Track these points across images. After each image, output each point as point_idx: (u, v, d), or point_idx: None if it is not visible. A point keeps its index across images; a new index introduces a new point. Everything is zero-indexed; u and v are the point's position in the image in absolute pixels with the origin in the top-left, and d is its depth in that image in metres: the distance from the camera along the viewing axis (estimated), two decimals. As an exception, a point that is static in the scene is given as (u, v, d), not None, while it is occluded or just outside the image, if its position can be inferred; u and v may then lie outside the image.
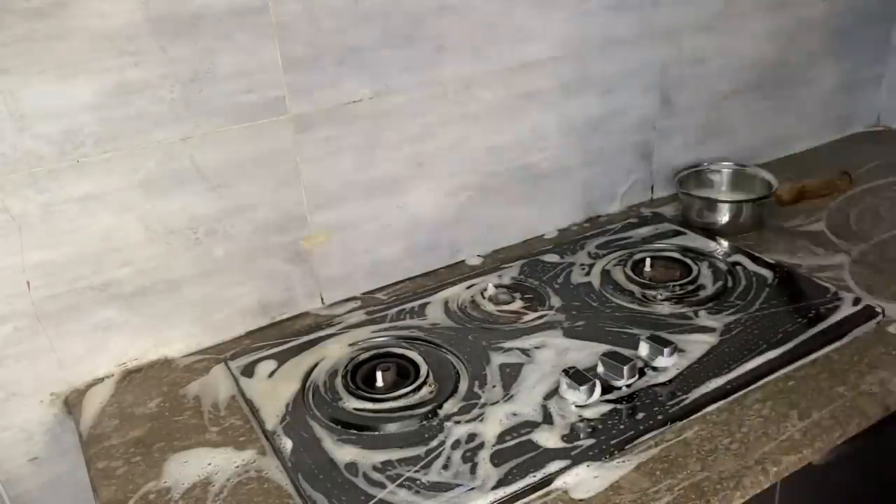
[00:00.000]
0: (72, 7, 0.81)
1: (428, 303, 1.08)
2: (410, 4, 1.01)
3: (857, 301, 1.01)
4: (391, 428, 0.85)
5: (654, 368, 0.90)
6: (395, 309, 1.07)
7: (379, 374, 0.91)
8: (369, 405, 0.88)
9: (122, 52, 0.85)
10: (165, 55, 0.88)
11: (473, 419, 0.85)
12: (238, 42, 0.91)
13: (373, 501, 0.74)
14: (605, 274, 1.13)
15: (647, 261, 1.13)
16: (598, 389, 0.85)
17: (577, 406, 0.85)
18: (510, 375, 0.91)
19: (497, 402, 0.87)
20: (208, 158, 0.95)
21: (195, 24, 0.88)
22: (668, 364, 0.90)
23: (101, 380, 0.97)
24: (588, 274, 1.13)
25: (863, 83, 1.61)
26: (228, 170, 0.96)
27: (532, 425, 0.83)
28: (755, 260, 1.14)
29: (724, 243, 1.20)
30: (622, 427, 0.82)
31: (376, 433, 0.84)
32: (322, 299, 1.11)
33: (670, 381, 0.89)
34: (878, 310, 0.99)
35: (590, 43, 1.19)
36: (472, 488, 0.75)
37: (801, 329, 0.97)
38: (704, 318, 1.01)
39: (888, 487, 1.03)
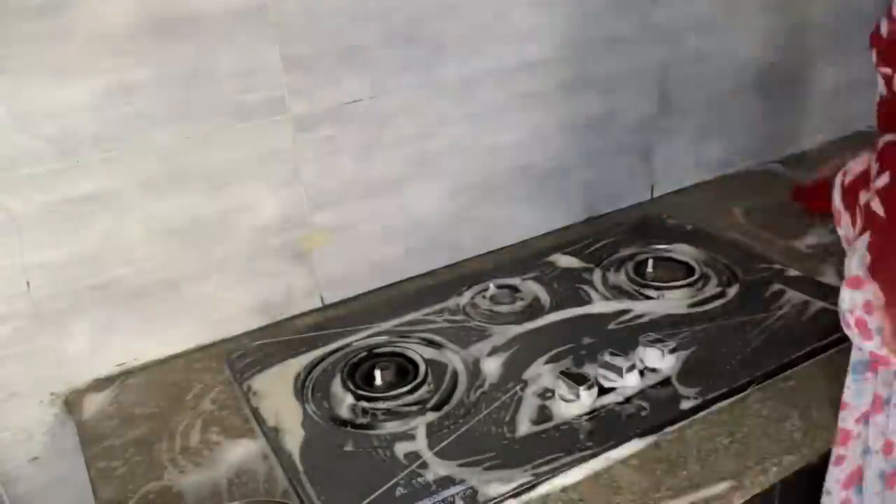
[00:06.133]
0: (71, 7, 0.81)
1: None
2: (410, 4, 1.01)
3: (857, 301, 1.01)
4: (389, 426, 0.85)
5: (654, 369, 0.90)
6: (395, 308, 1.07)
7: (378, 373, 0.91)
8: (367, 404, 0.88)
9: (122, 52, 0.85)
10: (165, 55, 0.88)
11: (473, 419, 0.85)
12: (238, 42, 0.91)
13: (371, 498, 0.74)
14: (607, 275, 1.13)
15: (650, 262, 1.12)
16: (596, 390, 0.85)
17: (574, 406, 0.85)
18: (508, 375, 0.91)
19: (497, 401, 0.87)
20: (208, 158, 0.95)
21: (195, 25, 0.88)
22: (668, 364, 0.90)
23: (101, 380, 0.97)
24: (589, 275, 1.13)
25: (863, 83, 1.60)
26: (228, 170, 0.96)
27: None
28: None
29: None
30: (620, 427, 0.82)
31: (375, 431, 0.84)
32: (322, 299, 1.11)
33: (669, 381, 0.88)
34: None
35: (590, 43, 1.19)
36: (470, 486, 0.75)
37: (802, 328, 0.97)
38: (704, 319, 1.00)
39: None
